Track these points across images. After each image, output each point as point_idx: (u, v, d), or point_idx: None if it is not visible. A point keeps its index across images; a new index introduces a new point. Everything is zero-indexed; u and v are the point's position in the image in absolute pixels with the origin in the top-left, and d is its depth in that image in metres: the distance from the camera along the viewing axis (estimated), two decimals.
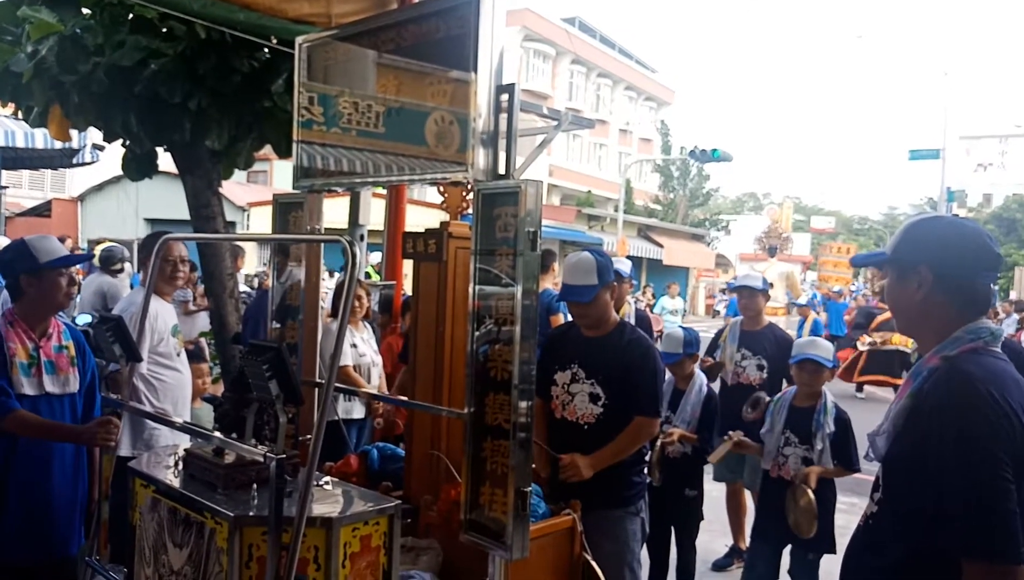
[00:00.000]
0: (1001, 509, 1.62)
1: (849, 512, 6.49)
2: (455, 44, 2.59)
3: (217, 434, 2.52)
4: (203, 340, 6.79)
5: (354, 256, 2.32)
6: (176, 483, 2.64)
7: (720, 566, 5.32)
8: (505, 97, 2.55)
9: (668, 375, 4.64)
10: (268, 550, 2.19)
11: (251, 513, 2.37)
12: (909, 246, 1.88)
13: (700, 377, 4.57)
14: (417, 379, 3.18)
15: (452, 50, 2.61)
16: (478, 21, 2.50)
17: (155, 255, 3.31)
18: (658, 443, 4.25)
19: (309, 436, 2.94)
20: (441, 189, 3.12)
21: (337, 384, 2.70)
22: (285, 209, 3.29)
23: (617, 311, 4.74)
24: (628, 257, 19.55)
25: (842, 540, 4.49)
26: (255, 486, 2.52)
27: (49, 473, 3.08)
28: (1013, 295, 24.19)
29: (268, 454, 2.21)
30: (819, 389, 4.06)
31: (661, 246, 31.28)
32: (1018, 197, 39.13)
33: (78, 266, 14.30)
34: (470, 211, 2.95)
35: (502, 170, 2.58)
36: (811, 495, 3.76)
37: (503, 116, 2.55)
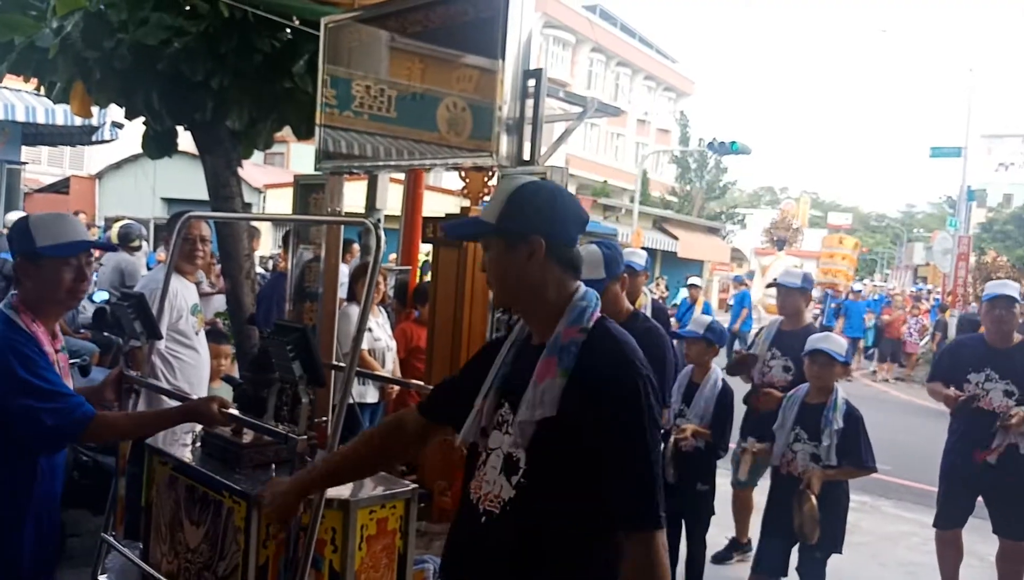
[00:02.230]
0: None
1: (860, 511, 6.49)
2: (483, 28, 2.61)
3: (235, 412, 2.53)
4: (219, 321, 6.82)
5: (379, 238, 2.33)
6: (194, 461, 2.64)
7: (719, 559, 5.33)
8: (532, 83, 2.54)
9: (687, 367, 4.63)
10: (287, 530, 2.19)
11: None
12: (515, 214, 1.77)
13: (716, 372, 4.55)
14: (434, 363, 3.19)
15: (479, 34, 2.63)
16: (507, 5, 2.51)
17: (177, 233, 3.31)
18: (672, 438, 4.25)
19: (325, 418, 2.95)
20: (463, 175, 3.11)
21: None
22: (306, 191, 3.33)
23: (633, 303, 4.83)
24: (643, 248, 19.49)
25: (852, 539, 4.51)
26: (274, 466, 2.53)
27: (56, 493, 2.68)
28: None
29: (290, 434, 2.21)
30: (830, 385, 4.02)
31: (676, 238, 31.17)
32: None
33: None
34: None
35: (527, 157, 2.58)
36: (814, 501, 3.74)
37: (529, 102, 2.54)
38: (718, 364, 4.66)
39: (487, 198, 3.00)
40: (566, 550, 1.70)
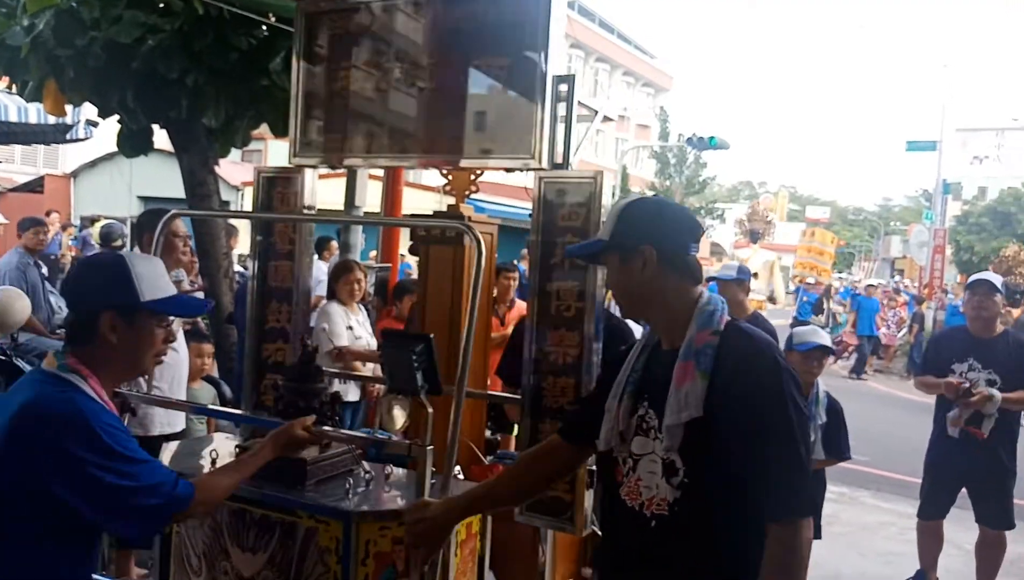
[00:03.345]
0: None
1: (839, 501, 6.56)
2: (506, 29, 2.72)
3: (344, 432, 2.56)
4: (199, 320, 6.76)
5: (478, 241, 2.36)
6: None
7: None
8: (564, 87, 2.66)
9: None
10: (433, 554, 2.13)
11: (366, 508, 2.34)
12: (626, 228, 1.87)
13: None
14: None
15: (502, 35, 2.74)
16: (549, 10, 2.66)
17: (160, 231, 3.26)
18: None
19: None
20: (444, 171, 3.09)
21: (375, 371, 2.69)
22: (270, 185, 3.16)
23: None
24: None
25: (831, 529, 4.58)
26: (350, 479, 2.46)
27: None
28: None
29: (415, 445, 2.18)
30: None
31: None
32: (1013, 190, 39.07)
33: (72, 244, 14.22)
34: (478, 194, 2.99)
35: (559, 160, 2.69)
36: None
37: (561, 105, 2.66)
38: None
39: (475, 195, 3.01)
40: (738, 541, 1.76)
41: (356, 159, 3.24)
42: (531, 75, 2.68)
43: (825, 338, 4.12)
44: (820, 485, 4.06)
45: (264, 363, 3.20)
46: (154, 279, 1.96)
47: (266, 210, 3.15)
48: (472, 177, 3.02)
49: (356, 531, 2.26)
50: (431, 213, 3.20)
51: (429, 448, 2.16)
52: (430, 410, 2.18)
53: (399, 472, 2.68)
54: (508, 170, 2.86)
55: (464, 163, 2.87)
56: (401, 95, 2.95)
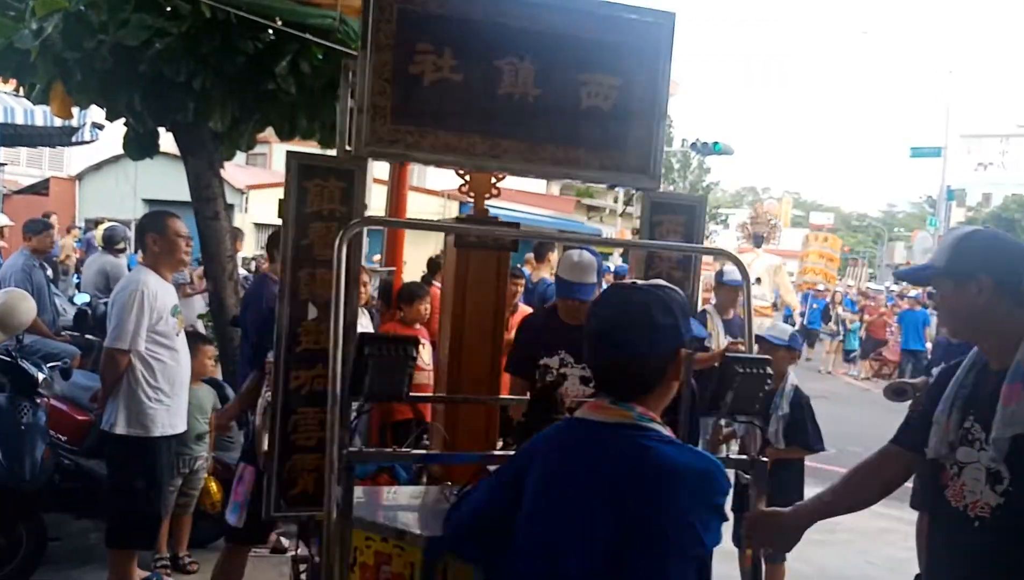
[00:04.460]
0: None
1: None
2: (621, 50, 2.85)
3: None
4: (200, 323, 6.78)
5: (744, 273, 2.61)
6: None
7: None
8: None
9: None
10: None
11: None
12: (963, 257, 2.05)
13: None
14: (463, 370, 3.09)
15: (617, 55, 2.85)
16: (672, 41, 2.93)
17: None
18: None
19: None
20: (462, 172, 3.01)
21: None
22: (305, 174, 2.67)
23: None
24: (626, 250, 19.49)
25: (836, 536, 4.55)
26: None
27: None
28: None
29: (757, 460, 2.38)
30: (778, 370, 4.18)
31: None
32: (1017, 197, 39.12)
33: (76, 246, 14.25)
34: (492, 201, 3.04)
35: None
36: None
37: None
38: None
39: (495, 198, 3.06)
40: None
41: (450, 157, 2.85)
42: (647, 99, 2.89)
43: (777, 330, 4.47)
44: (798, 478, 4.18)
45: (294, 394, 2.68)
46: None
47: (301, 206, 2.65)
48: (493, 181, 3.02)
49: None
50: (456, 217, 3.19)
51: (765, 460, 2.37)
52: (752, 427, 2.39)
53: None
54: (611, 186, 2.98)
55: (579, 177, 3.02)
56: (495, 95, 2.78)
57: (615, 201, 29.39)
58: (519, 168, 2.88)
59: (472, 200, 3.08)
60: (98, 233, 8.31)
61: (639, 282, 1.85)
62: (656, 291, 1.75)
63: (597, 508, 1.64)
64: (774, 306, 17.41)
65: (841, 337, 17.90)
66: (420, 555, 2.31)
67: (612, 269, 13.49)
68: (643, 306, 1.70)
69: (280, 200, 2.69)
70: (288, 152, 2.70)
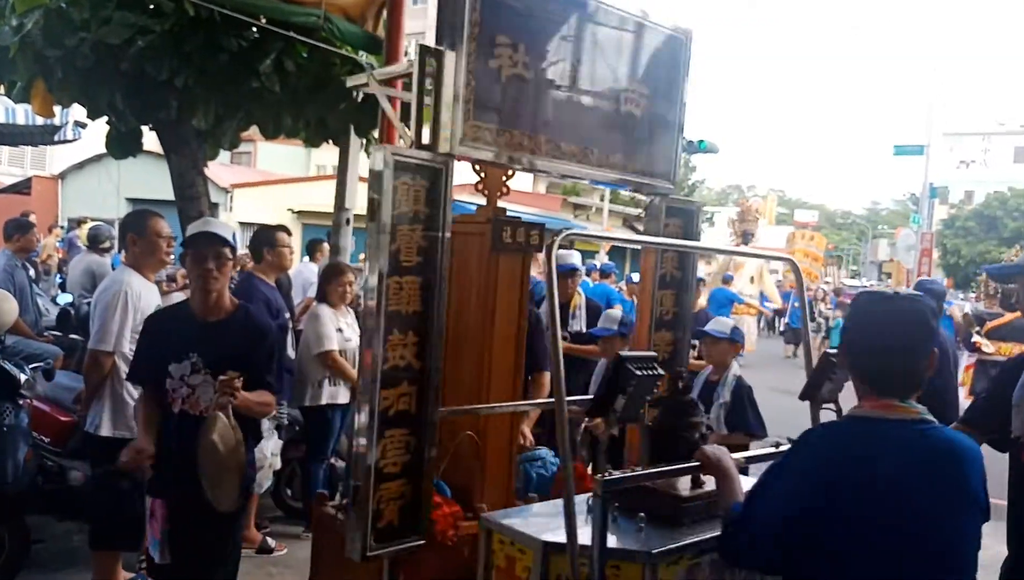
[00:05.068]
0: None
1: None
2: (652, 63, 3.01)
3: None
4: None
5: (798, 276, 2.79)
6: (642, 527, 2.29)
7: None
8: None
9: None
10: None
11: None
12: None
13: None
14: (493, 375, 3.03)
15: (648, 67, 3.01)
16: (689, 54, 3.15)
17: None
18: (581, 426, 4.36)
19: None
20: (477, 168, 2.96)
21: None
22: (400, 170, 2.41)
23: (568, 302, 5.78)
24: (613, 248, 19.53)
25: None
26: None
27: None
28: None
29: None
30: (721, 361, 4.50)
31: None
32: (999, 194, 39.38)
33: (58, 246, 14.12)
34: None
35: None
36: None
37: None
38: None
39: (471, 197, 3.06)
40: None
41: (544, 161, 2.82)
42: (672, 110, 3.09)
43: (719, 324, 4.66)
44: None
45: (381, 416, 2.44)
46: None
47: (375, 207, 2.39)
48: (504, 177, 3.03)
49: None
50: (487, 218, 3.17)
51: None
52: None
53: None
54: (635, 190, 3.26)
55: (623, 182, 3.12)
56: (555, 96, 2.80)
57: (601, 199, 29.40)
58: (577, 171, 2.96)
59: (468, 199, 3.09)
60: (82, 232, 8.23)
61: (900, 291, 2.02)
62: (925, 300, 1.95)
63: (938, 501, 1.80)
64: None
65: (824, 334, 18.02)
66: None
67: (598, 266, 13.53)
68: (924, 315, 1.90)
69: (370, 199, 2.39)
70: (373, 146, 2.64)
